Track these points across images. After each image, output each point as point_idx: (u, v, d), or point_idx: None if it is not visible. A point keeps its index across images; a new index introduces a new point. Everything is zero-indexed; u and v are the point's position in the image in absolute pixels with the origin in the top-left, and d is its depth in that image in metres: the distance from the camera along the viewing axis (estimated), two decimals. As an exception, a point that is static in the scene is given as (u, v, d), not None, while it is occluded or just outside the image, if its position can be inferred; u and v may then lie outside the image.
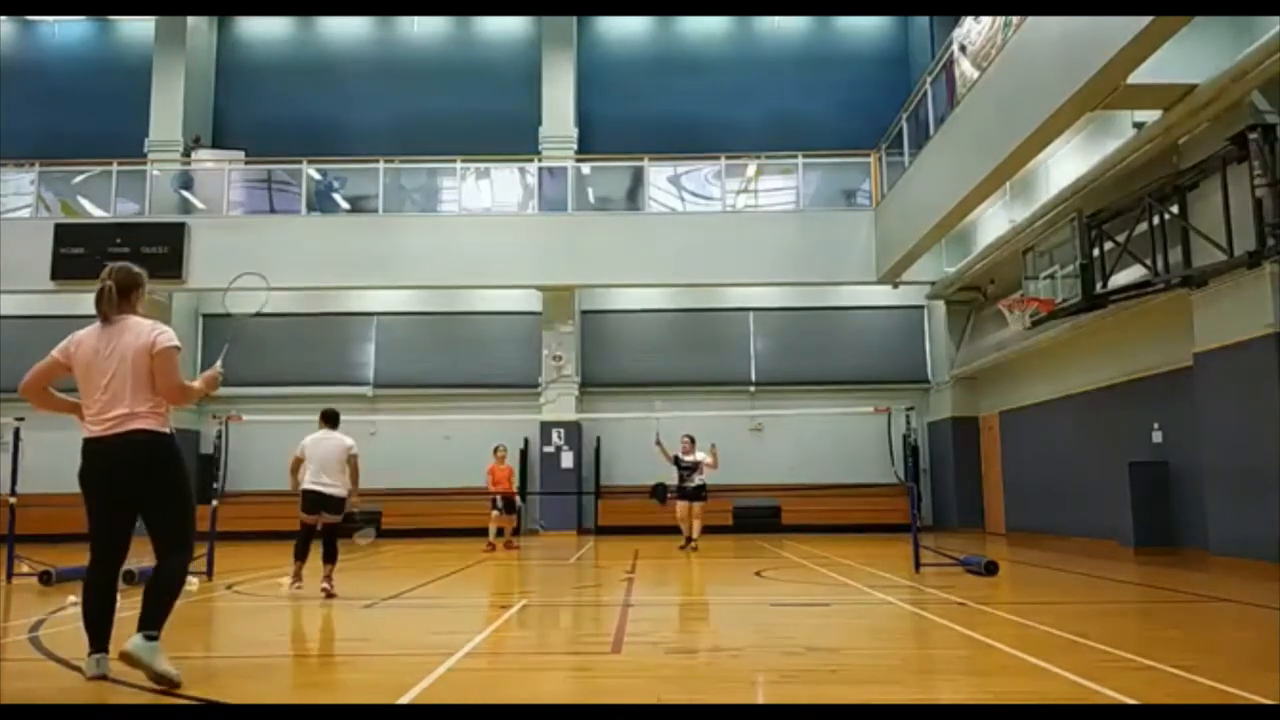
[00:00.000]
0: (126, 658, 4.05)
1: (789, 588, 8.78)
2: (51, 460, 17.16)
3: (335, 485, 8.17)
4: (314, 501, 8.21)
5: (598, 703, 4.02)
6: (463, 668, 4.70)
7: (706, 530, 14.62)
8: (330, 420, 8.60)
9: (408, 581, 9.47)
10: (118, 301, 4.42)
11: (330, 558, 8.15)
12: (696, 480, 13.62)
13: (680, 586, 9.36)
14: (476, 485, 18.05)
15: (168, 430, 4.38)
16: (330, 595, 7.75)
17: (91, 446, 4.31)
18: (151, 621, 4.16)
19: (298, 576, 8.22)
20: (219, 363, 4.91)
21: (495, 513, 14.60)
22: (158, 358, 4.31)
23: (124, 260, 18.21)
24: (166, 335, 4.37)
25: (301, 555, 8.36)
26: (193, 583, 8.86)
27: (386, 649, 5.45)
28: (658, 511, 14.11)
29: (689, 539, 13.63)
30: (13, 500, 9.89)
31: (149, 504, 4.35)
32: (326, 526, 8.25)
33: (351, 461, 8.28)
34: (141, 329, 4.37)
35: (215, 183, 19.34)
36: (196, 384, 4.62)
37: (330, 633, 6.12)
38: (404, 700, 3.92)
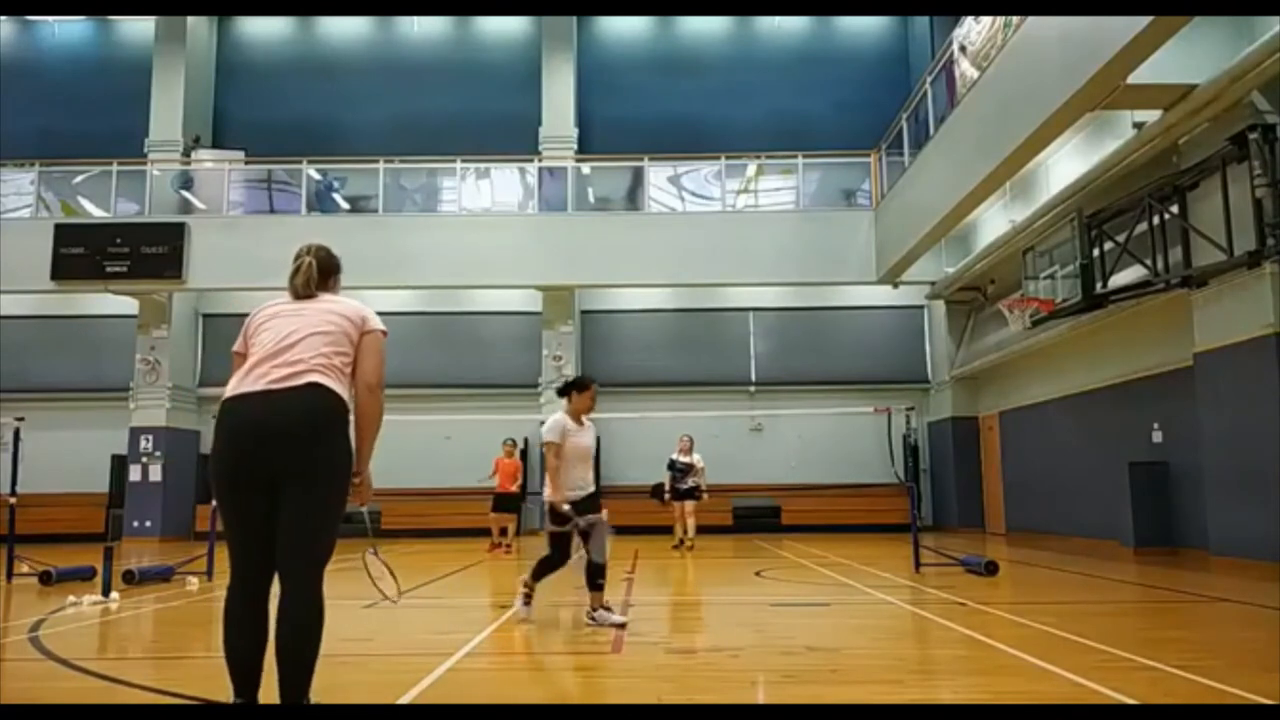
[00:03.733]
0: None
1: (789, 588, 8.78)
2: (51, 460, 17.40)
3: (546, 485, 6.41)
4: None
5: (598, 703, 4.01)
6: (463, 668, 4.70)
7: (705, 530, 14.65)
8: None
9: (408, 581, 9.42)
10: (317, 281, 3.67)
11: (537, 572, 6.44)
12: (690, 482, 13.64)
13: (680, 586, 9.35)
14: (476, 485, 18.10)
15: (348, 402, 3.42)
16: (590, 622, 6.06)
17: (243, 405, 3.29)
18: (295, 689, 3.23)
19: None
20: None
21: (494, 514, 14.52)
22: (369, 336, 3.53)
23: (124, 260, 18.08)
24: (379, 320, 3.65)
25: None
26: (193, 582, 8.89)
27: (386, 649, 5.45)
28: (658, 511, 14.12)
29: (681, 540, 13.67)
30: (13, 500, 9.89)
31: (301, 486, 3.26)
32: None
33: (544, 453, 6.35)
34: (349, 303, 3.63)
35: (215, 183, 19.33)
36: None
37: (330, 633, 6.10)
38: (404, 700, 3.92)
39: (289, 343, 3.37)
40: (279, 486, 3.26)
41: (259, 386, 3.29)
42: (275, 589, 3.35)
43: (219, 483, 3.30)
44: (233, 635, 3.30)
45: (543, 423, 6.49)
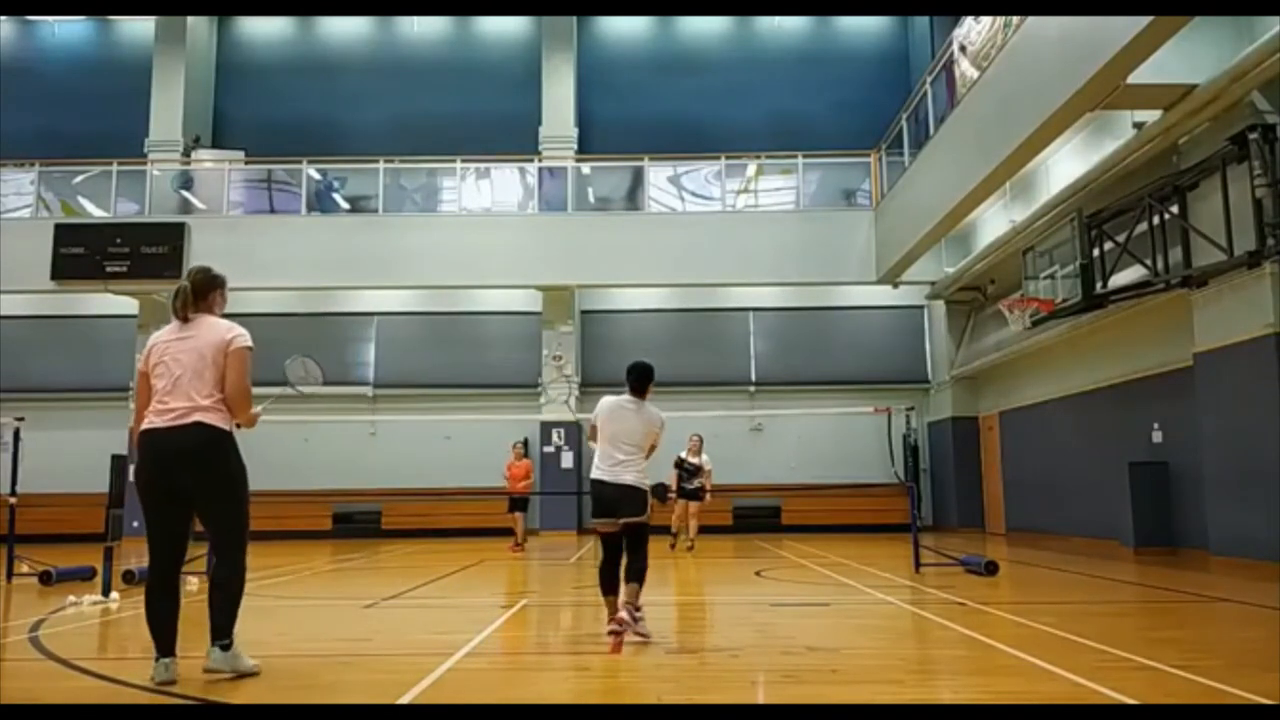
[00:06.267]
0: (211, 671, 4.29)
1: (789, 588, 8.78)
2: (51, 460, 17.39)
3: (629, 471, 5.69)
4: (602, 496, 5.69)
5: (598, 703, 4.02)
6: (463, 668, 4.70)
7: (706, 530, 14.64)
8: (632, 382, 5.94)
9: (408, 581, 9.47)
10: (194, 302, 4.51)
11: (632, 574, 5.56)
12: (696, 482, 13.64)
13: (680, 586, 9.35)
14: (476, 485, 18.10)
15: (228, 428, 4.42)
16: (632, 633, 5.38)
17: (150, 438, 4.32)
18: (222, 631, 4.30)
19: (613, 615, 5.56)
20: (261, 408, 4.79)
21: (514, 513, 14.66)
22: (231, 356, 4.40)
23: (124, 260, 18.16)
24: (243, 336, 4.48)
25: (605, 584, 5.69)
26: (192, 582, 8.88)
27: (386, 649, 5.44)
28: (657, 511, 14.10)
29: (675, 541, 13.67)
30: (13, 500, 9.89)
31: (204, 500, 4.37)
32: (628, 529, 5.69)
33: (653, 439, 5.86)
34: (219, 327, 4.47)
35: (215, 183, 19.34)
36: (256, 409, 4.67)
37: (330, 633, 6.12)
38: (404, 700, 3.92)
39: (179, 387, 4.35)
40: (187, 498, 4.35)
41: (161, 423, 4.32)
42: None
43: (141, 496, 4.31)
44: (155, 608, 4.26)
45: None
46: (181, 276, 4.56)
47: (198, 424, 4.30)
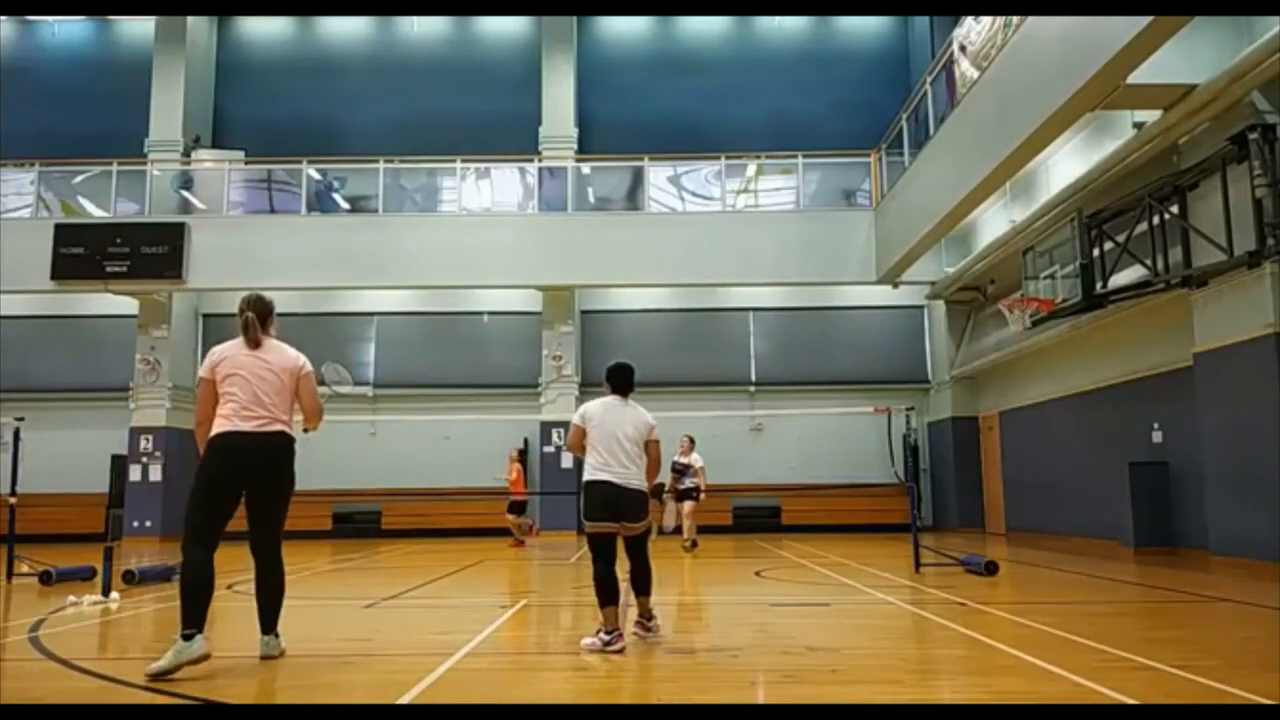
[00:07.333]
0: (266, 657, 4.88)
1: (789, 588, 8.78)
2: (51, 460, 17.41)
3: (635, 474, 5.54)
4: (609, 500, 5.46)
5: (598, 703, 4.02)
6: (463, 668, 4.70)
7: (705, 530, 14.63)
8: (619, 383, 5.91)
9: (408, 581, 9.47)
10: (260, 328, 5.01)
11: (642, 585, 5.52)
12: (687, 482, 13.62)
13: (680, 586, 9.35)
14: (476, 485, 18.12)
15: (295, 438, 5.01)
16: (646, 632, 5.40)
17: (232, 439, 4.76)
18: (273, 624, 4.99)
19: (613, 627, 5.18)
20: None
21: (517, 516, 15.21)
22: (304, 379, 5.04)
23: (124, 260, 18.22)
24: (308, 363, 5.13)
25: (610, 593, 5.28)
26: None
27: (386, 649, 5.44)
28: (658, 511, 14.11)
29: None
30: (13, 500, 9.89)
31: (265, 496, 4.89)
32: (631, 540, 5.58)
33: (651, 448, 5.68)
34: (288, 352, 5.06)
35: (215, 183, 19.33)
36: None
37: (330, 632, 6.12)
38: (404, 700, 3.92)
39: (262, 399, 4.85)
40: (243, 494, 4.83)
41: (247, 427, 4.79)
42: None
43: (208, 486, 4.73)
44: (198, 580, 4.55)
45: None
46: (247, 308, 4.97)
47: (279, 432, 4.87)
